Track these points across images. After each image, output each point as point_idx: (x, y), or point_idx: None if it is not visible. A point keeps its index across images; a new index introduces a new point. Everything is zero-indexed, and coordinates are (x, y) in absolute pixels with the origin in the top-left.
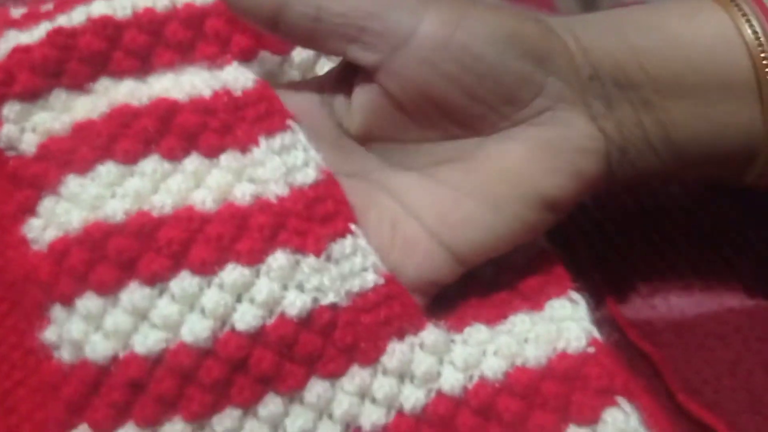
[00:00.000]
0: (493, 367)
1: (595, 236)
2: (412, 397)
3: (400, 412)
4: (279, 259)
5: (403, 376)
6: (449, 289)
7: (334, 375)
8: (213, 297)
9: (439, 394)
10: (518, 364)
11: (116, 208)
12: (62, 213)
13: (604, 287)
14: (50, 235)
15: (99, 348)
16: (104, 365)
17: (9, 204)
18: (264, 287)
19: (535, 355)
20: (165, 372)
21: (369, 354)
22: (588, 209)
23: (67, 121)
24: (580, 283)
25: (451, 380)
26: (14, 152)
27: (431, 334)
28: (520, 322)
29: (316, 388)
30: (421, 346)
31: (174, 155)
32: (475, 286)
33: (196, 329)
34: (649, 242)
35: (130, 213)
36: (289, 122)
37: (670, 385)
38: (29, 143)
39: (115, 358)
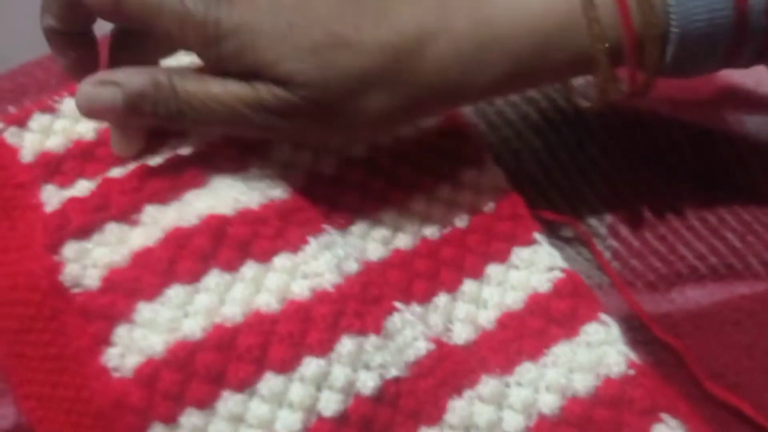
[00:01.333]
0: (549, 403)
1: (610, 239)
2: None
3: None
4: (346, 344)
5: (468, 428)
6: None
7: None
8: (298, 391)
9: None
10: (570, 395)
11: (193, 327)
12: (140, 339)
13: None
14: (132, 361)
15: None
16: None
17: (83, 338)
18: (339, 374)
19: (583, 385)
20: None
21: (432, 415)
22: (602, 212)
23: (125, 252)
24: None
25: (514, 423)
26: (79, 288)
27: (486, 384)
28: (561, 353)
29: None
30: (479, 398)
31: (232, 266)
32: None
33: (288, 423)
34: (661, 239)
35: (206, 329)
36: (324, 226)
37: (696, 373)
38: (92, 278)
39: None
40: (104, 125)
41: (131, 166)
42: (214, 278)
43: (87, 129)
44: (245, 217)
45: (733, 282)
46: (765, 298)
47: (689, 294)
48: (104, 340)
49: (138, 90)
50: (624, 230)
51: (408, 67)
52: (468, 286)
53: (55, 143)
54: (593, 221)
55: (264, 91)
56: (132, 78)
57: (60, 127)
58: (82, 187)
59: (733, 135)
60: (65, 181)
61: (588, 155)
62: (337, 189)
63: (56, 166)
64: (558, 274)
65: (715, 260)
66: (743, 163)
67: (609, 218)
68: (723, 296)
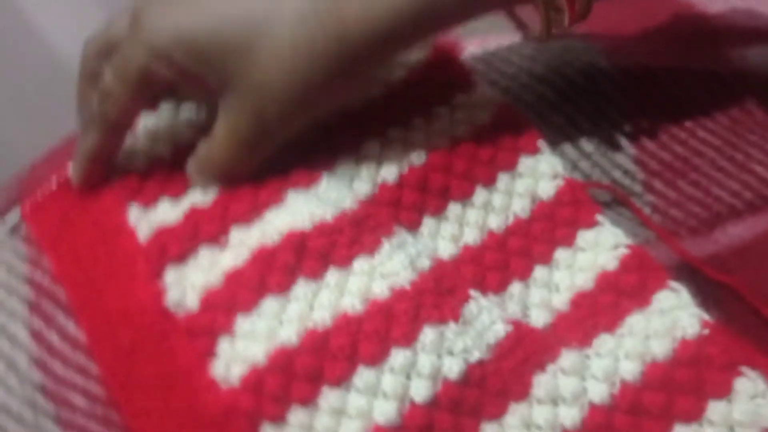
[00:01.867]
0: (629, 369)
1: (647, 195)
2: (569, 417)
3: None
4: (428, 334)
5: (555, 400)
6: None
7: (497, 417)
8: (390, 382)
9: (592, 406)
10: (649, 361)
11: (289, 334)
12: (242, 350)
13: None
14: (238, 370)
15: None
16: None
17: (189, 354)
18: (426, 362)
19: (661, 349)
20: None
21: (520, 391)
22: (633, 171)
23: (218, 273)
24: None
25: (598, 392)
26: (182, 309)
27: (567, 358)
28: (636, 322)
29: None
30: (562, 371)
31: (316, 274)
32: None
33: (384, 411)
34: (695, 185)
35: (300, 334)
36: (395, 227)
37: (758, 306)
38: (192, 299)
39: None
40: (181, 142)
41: (213, 191)
42: (301, 288)
43: (164, 147)
44: (322, 230)
45: None
46: None
47: (731, 231)
48: (210, 354)
49: None
50: (658, 184)
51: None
52: (539, 272)
53: (135, 163)
54: (627, 181)
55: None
56: None
57: (140, 146)
58: (166, 208)
59: (741, 71)
60: (149, 201)
61: (609, 120)
62: (401, 193)
63: (139, 186)
64: (624, 251)
65: (749, 195)
66: (757, 95)
67: (641, 175)
68: (764, 227)
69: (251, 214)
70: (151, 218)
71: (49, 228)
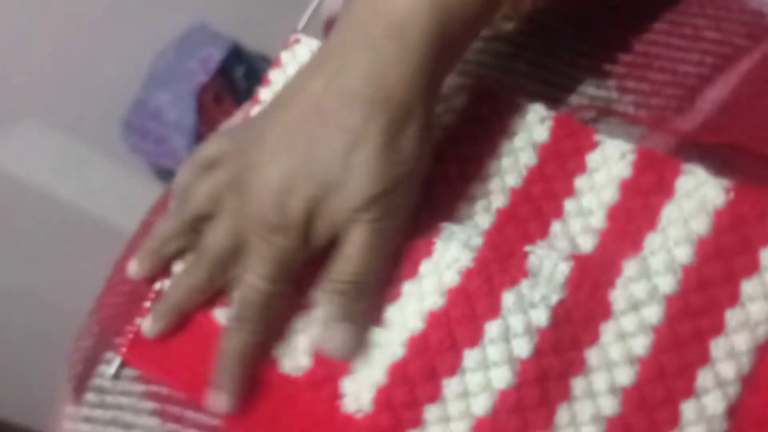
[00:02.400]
0: (683, 253)
1: (624, 96)
2: (652, 315)
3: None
4: (508, 298)
5: (636, 306)
6: None
7: (595, 341)
8: (494, 351)
9: (667, 298)
10: (696, 240)
11: (395, 349)
12: (364, 378)
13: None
14: (366, 397)
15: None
16: None
17: (319, 405)
18: (516, 321)
19: (701, 227)
20: (503, 412)
21: (603, 311)
22: (604, 81)
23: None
24: None
25: (668, 283)
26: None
27: (629, 267)
28: (670, 212)
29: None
30: (630, 279)
31: (397, 293)
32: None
33: (501, 377)
34: (662, 71)
35: (405, 345)
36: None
37: (763, 151)
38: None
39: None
40: None
41: None
42: (390, 310)
43: None
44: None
45: (735, 65)
46: (764, 60)
47: (711, 96)
48: (336, 397)
49: None
50: (630, 83)
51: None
52: (569, 205)
53: None
54: (603, 93)
55: None
56: None
57: None
58: None
59: None
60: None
61: (568, 48)
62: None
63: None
64: (632, 156)
65: (711, 59)
66: None
67: (613, 82)
68: (736, 80)
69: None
70: None
71: (153, 360)
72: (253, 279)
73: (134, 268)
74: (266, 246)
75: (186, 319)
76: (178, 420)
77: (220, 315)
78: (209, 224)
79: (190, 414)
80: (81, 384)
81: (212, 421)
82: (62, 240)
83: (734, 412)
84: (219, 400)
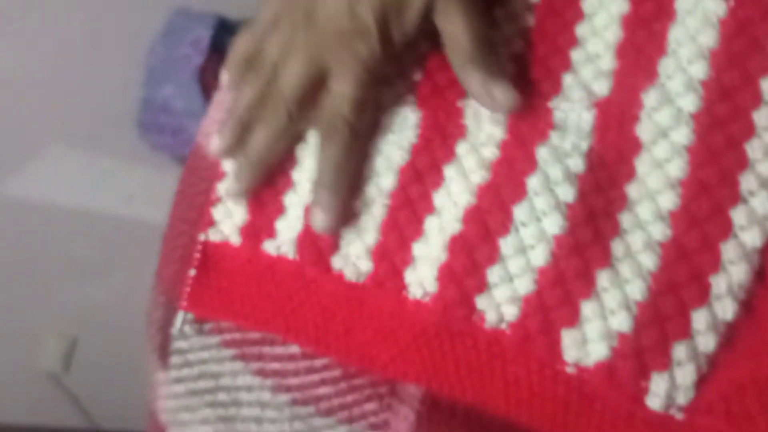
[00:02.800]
0: (700, 70)
1: None
2: (683, 136)
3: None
4: (542, 152)
5: (665, 132)
6: None
7: (632, 176)
8: (541, 202)
9: (693, 116)
10: (708, 54)
11: (452, 224)
12: (428, 254)
13: None
14: (431, 273)
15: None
16: None
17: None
18: (555, 171)
19: (710, 39)
20: (562, 257)
21: (634, 146)
22: None
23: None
24: None
25: (690, 101)
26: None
27: (650, 97)
28: (677, 34)
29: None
30: (654, 109)
31: (440, 178)
32: None
33: (553, 223)
34: None
35: (460, 218)
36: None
37: None
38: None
39: None
40: None
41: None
42: (440, 193)
43: None
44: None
45: None
46: None
47: None
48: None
49: None
50: None
51: None
52: (575, 55)
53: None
54: None
55: None
56: None
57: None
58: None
59: None
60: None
61: None
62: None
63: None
64: None
65: None
66: None
67: None
68: None
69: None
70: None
71: (214, 305)
72: (341, 87)
73: (216, 144)
74: (348, 56)
75: (235, 259)
76: (259, 358)
77: (270, 246)
78: (282, 70)
79: (267, 349)
80: (163, 351)
81: (290, 350)
82: (116, 251)
83: None
84: (318, 218)
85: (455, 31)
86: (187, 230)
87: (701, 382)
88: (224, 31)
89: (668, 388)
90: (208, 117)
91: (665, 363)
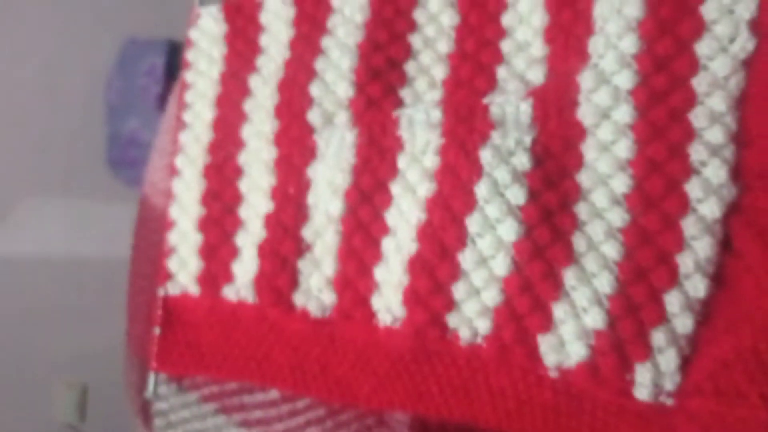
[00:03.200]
0: (630, 43)
1: None
2: (624, 114)
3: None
4: (486, 154)
5: (606, 113)
6: None
7: (580, 165)
8: (492, 209)
9: (631, 91)
10: (636, 26)
11: (408, 245)
12: (390, 278)
13: None
14: (396, 298)
15: None
16: None
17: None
18: (502, 173)
19: (636, 9)
20: (524, 263)
21: (580, 132)
22: None
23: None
24: None
25: (626, 79)
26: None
27: (586, 79)
28: (601, 11)
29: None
30: (590, 90)
31: (387, 196)
32: None
33: (509, 229)
34: None
35: (414, 238)
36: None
37: None
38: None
39: None
40: None
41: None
42: (391, 212)
43: None
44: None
45: None
46: None
47: None
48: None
49: None
50: None
51: None
52: (505, 46)
53: None
54: None
55: None
56: None
57: None
58: None
59: None
60: None
61: None
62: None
63: None
64: None
65: None
66: None
67: None
68: None
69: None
70: None
71: (183, 361)
72: None
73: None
74: None
75: (198, 310)
76: (240, 408)
77: (230, 292)
78: None
79: (247, 398)
80: (146, 414)
81: (270, 396)
82: (109, 293)
83: (737, 174)
84: None
85: None
86: (147, 286)
87: (686, 364)
88: (176, 54)
89: (654, 377)
90: (150, 166)
91: (646, 352)
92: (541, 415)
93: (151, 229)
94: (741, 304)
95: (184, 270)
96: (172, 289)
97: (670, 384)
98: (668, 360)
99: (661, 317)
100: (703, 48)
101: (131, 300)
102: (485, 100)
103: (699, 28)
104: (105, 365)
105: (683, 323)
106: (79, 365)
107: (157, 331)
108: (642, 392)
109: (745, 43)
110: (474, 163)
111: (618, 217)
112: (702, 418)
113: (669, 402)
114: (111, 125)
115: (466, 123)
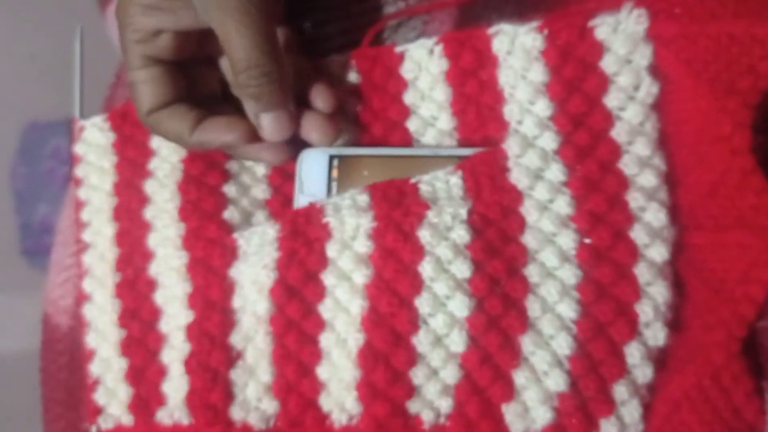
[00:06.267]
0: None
1: None
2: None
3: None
4: (425, 234)
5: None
6: None
7: (523, 209)
8: (441, 287)
9: None
10: (545, 89)
11: (355, 336)
12: (337, 375)
13: None
14: (351, 397)
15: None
16: None
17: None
18: (444, 252)
19: (539, 75)
20: (480, 335)
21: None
22: None
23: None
24: None
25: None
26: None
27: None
28: (506, 79)
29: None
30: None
31: (321, 292)
32: None
33: (460, 305)
34: None
35: (359, 327)
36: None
37: None
38: None
39: None
40: None
41: None
42: (324, 307)
43: None
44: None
45: None
46: None
47: None
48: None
49: None
50: None
51: None
52: (411, 125)
53: None
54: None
55: None
56: None
57: None
58: None
59: None
60: None
61: None
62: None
63: None
64: (439, 47)
65: None
66: None
67: None
68: None
69: None
70: None
71: None
72: None
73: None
74: None
75: None
76: None
77: (164, 416)
78: None
79: None
80: None
81: None
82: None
83: (674, 214)
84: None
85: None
86: (63, 413)
87: (647, 410)
88: None
89: (618, 430)
90: (49, 282)
91: (610, 408)
92: None
93: (58, 351)
94: (690, 343)
95: (114, 400)
96: (104, 423)
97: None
98: (632, 411)
99: (622, 370)
100: (611, 101)
101: (47, 427)
102: (412, 180)
103: (603, 82)
104: None
105: (643, 373)
106: None
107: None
108: None
109: (649, 89)
110: (415, 244)
111: (570, 274)
112: None
113: None
114: (21, 214)
115: (399, 206)
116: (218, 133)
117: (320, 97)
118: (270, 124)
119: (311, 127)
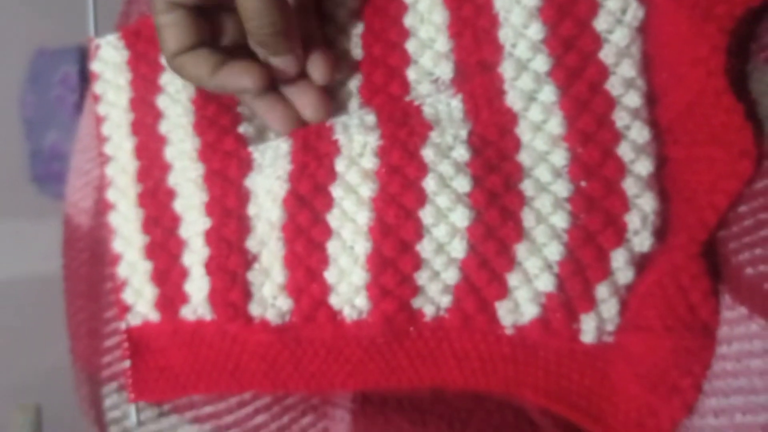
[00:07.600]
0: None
1: None
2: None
3: None
4: (428, 152)
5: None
6: None
7: (517, 148)
8: (443, 200)
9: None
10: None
11: (363, 243)
12: (350, 277)
13: None
14: (361, 301)
15: None
16: None
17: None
18: (446, 168)
19: None
20: (479, 244)
21: (510, 115)
22: None
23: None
24: None
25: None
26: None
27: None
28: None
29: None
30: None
31: (328, 201)
32: None
33: (460, 216)
34: None
35: (369, 236)
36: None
37: None
38: None
39: None
40: None
41: None
42: (332, 216)
43: None
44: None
45: None
46: None
47: None
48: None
49: None
50: None
51: None
52: (410, 46)
53: None
54: None
55: None
56: None
57: None
58: None
59: None
60: None
61: None
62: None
63: None
64: None
65: None
66: None
67: None
68: None
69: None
70: None
71: (160, 387)
72: None
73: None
74: None
75: (162, 335)
76: (191, 406)
77: (188, 312)
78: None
79: (196, 395)
80: (101, 425)
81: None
82: (49, 311)
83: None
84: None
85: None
86: (85, 305)
87: (623, 307)
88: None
89: (597, 324)
90: (69, 186)
91: (591, 305)
92: (502, 368)
93: (79, 249)
94: (669, 249)
95: (141, 299)
96: (133, 320)
97: (611, 326)
98: (610, 308)
99: (606, 273)
100: (601, 24)
101: (71, 319)
102: (416, 102)
103: (593, 6)
104: (55, 384)
105: (625, 275)
106: (30, 387)
107: (128, 363)
108: (587, 337)
109: (635, 12)
110: (419, 162)
111: (563, 188)
112: (627, 350)
113: (609, 339)
114: (31, 141)
115: (404, 126)
116: (235, 77)
117: (317, 69)
118: (278, 65)
119: (304, 105)
